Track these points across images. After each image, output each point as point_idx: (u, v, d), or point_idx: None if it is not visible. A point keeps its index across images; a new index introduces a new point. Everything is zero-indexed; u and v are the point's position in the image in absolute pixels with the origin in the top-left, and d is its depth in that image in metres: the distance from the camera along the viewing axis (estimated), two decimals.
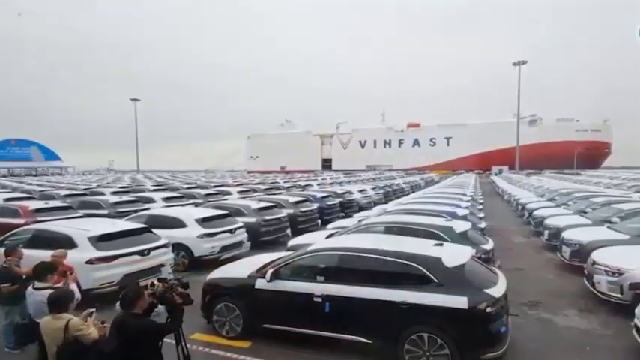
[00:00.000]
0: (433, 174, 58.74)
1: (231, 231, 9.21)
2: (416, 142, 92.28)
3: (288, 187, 23.84)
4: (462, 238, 6.53)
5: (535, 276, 8.17)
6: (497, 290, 4.30)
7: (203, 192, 17.78)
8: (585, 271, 6.87)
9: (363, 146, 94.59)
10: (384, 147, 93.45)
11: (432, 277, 4.27)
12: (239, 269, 5.70)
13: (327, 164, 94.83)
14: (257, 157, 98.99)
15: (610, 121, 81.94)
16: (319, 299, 4.61)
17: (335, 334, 4.62)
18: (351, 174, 53.39)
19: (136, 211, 11.31)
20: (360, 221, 8.55)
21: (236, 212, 10.71)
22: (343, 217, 13.93)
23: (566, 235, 8.76)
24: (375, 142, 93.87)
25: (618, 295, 5.85)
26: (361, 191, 20.14)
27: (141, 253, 6.69)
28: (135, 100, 77.13)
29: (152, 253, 6.90)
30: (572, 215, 11.44)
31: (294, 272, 5.04)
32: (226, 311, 5.19)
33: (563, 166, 70.51)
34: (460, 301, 4.02)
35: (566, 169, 66.25)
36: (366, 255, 4.80)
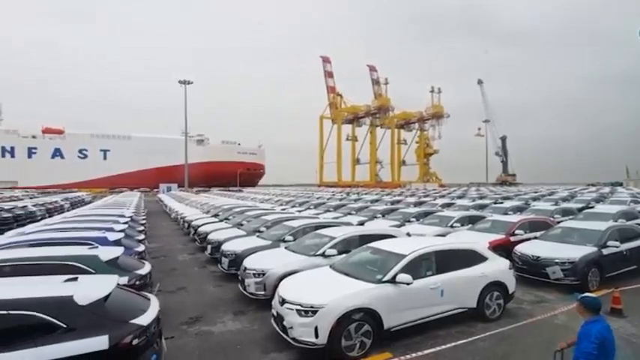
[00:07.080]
0: (83, 192, 54.41)
1: None
2: (57, 153, 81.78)
3: None
4: (111, 266, 6.48)
5: (197, 291, 9.27)
6: (146, 318, 4.42)
7: None
8: (239, 277, 8.51)
9: None
10: (1, 156, 77.39)
11: (59, 322, 3.88)
12: None
13: None
14: None
15: (263, 146, 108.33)
16: None
17: None
18: None
19: None
20: None
21: None
22: None
23: (224, 247, 10.57)
24: None
25: (263, 293, 7.76)
26: None
27: None
28: None
29: None
30: (231, 228, 13.86)
31: None
32: None
33: (229, 184, 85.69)
34: (99, 342, 3.86)
35: (231, 187, 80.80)
36: None
